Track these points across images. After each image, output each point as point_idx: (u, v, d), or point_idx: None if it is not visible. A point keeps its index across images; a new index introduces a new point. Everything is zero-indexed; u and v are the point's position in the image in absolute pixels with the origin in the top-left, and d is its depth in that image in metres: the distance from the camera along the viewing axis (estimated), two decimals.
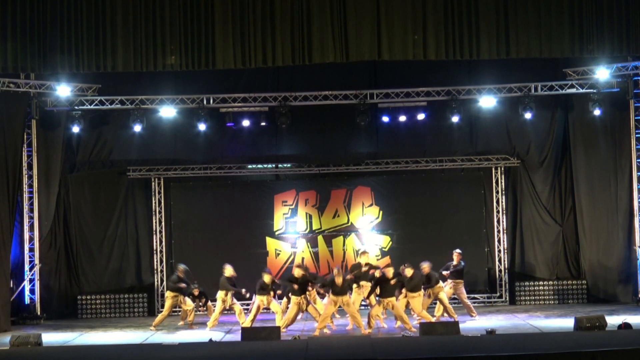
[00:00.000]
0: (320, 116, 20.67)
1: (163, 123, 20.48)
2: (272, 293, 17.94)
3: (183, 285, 18.62)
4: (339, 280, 17.22)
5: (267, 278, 17.88)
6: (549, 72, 20.04)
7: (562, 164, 21.18)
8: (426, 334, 15.21)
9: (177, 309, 19.21)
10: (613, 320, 16.41)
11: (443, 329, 15.41)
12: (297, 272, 17.71)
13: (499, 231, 21.22)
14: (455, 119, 20.03)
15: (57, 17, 17.01)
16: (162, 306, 19.62)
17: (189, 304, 18.68)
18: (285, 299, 18.36)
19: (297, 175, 21.89)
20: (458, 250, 18.88)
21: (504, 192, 21.23)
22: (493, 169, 21.24)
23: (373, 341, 14.42)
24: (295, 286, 17.48)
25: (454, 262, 18.83)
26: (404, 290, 17.87)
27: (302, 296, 17.58)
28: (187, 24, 17.07)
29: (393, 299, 17.34)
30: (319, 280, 18.54)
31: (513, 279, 21.08)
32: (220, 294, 18.25)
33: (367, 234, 21.32)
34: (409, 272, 17.70)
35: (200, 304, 19.41)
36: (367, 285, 18.11)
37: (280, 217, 21.34)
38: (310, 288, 17.85)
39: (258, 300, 17.88)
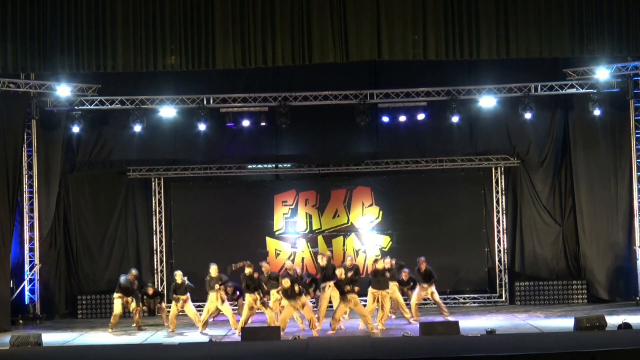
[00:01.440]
0: (320, 116, 20.66)
1: (163, 123, 20.49)
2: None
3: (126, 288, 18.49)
4: (286, 285, 17.05)
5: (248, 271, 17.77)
6: (549, 72, 20.04)
7: (562, 164, 21.17)
8: (426, 334, 15.20)
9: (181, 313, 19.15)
10: (613, 320, 16.40)
11: (443, 329, 15.40)
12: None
13: (499, 231, 21.21)
14: (455, 119, 20.03)
15: (57, 17, 17.00)
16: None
17: (133, 306, 18.47)
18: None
19: (297, 175, 21.88)
20: (422, 258, 18.70)
21: (504, 192, 21.22)
22: (493, 169, 21.24)
23: (373, 341, 14.43)
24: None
25: (422, 270, 18.60)
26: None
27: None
28: (187, 24, 17.07)
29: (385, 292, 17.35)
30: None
31: (513, 279, 21.07)
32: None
33: (367, 234, 21.32)
34: (379, 265, 17.75)
35: (156, 306, 19.23)
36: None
37: (280, 217, 21.35)
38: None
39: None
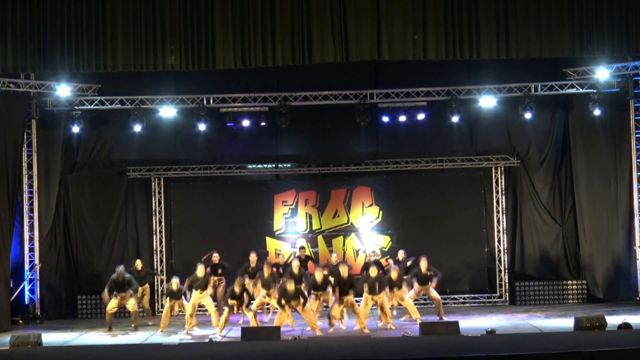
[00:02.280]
0: (320, 116, 20.66)
1: (163, 123, 20.49)
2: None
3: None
4: (290, 287, 17.00)
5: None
6: (549, 72, 20.04)
7: (562, 164, 21.16)
8: (426, 334, 15.21)
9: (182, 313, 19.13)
10: (613, 320, 16.40)
11: (443, 329, 15.42)
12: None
13: (499, 231, 21.21)
14: (455, 119, 20.02)
15: (57, 17, 17.00)
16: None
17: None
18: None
19: (297, 175, 21.88)
20: (424, 257, 18.70)
21: (504, 192, 21.22)
22: (493, 169, 21.24)
23: (373, 341, 14.44)
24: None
25: (422, 270, 18.45)
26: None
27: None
28: (187, 24, 17.07)
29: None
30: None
31: (513, 279, 21.06)
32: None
33: (367, 234, 21.32)
34: (372, 271, 17.66)
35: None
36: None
37: (280, 217, 21.35)
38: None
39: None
